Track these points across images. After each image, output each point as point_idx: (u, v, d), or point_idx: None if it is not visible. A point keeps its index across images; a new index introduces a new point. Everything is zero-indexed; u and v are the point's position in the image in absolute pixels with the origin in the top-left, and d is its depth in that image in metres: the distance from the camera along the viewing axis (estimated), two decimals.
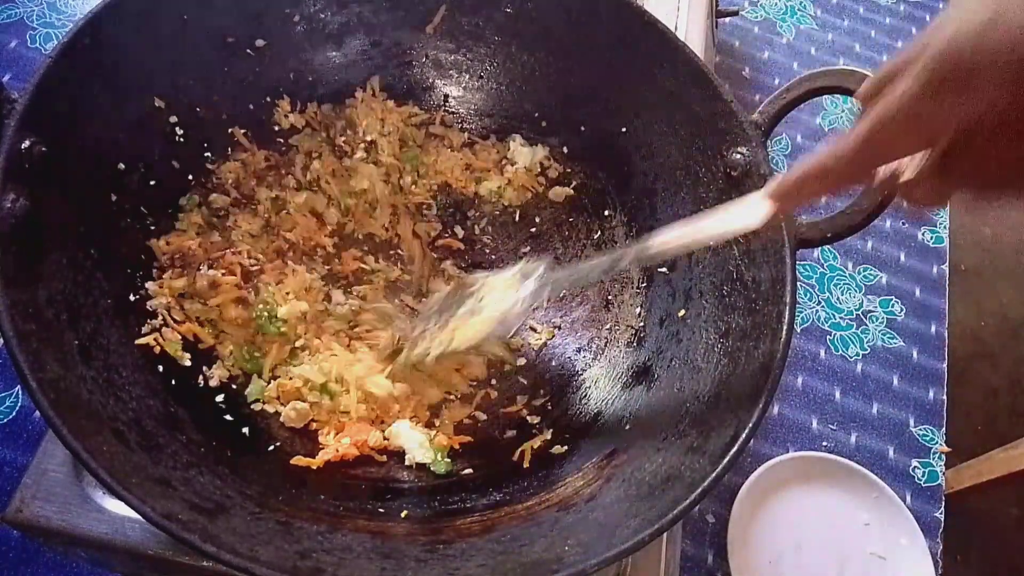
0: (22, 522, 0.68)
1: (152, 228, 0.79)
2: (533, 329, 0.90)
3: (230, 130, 0.86)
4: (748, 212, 0.61)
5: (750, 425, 0.62)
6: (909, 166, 0.51)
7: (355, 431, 0.77)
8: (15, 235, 0.59)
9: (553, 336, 0.89)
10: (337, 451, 0.75)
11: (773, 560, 0.97)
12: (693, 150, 0.81)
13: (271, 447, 0.75)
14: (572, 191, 0.95)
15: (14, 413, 0.89)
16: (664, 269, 0.86)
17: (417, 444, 0.77)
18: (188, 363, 0.75)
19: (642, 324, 0.86)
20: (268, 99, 0.90)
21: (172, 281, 0.78)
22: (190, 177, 0.84)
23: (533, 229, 0.95)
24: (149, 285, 0.76)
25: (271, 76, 0.88)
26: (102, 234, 0.72)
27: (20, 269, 0.60)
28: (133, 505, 0.52)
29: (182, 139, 0.81)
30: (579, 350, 0.88)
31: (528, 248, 0.94)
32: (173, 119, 0.80)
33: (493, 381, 0.86)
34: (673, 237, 0.65)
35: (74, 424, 0.55)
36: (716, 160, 0.78)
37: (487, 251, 0.94)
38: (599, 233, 0.93)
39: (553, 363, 0.87)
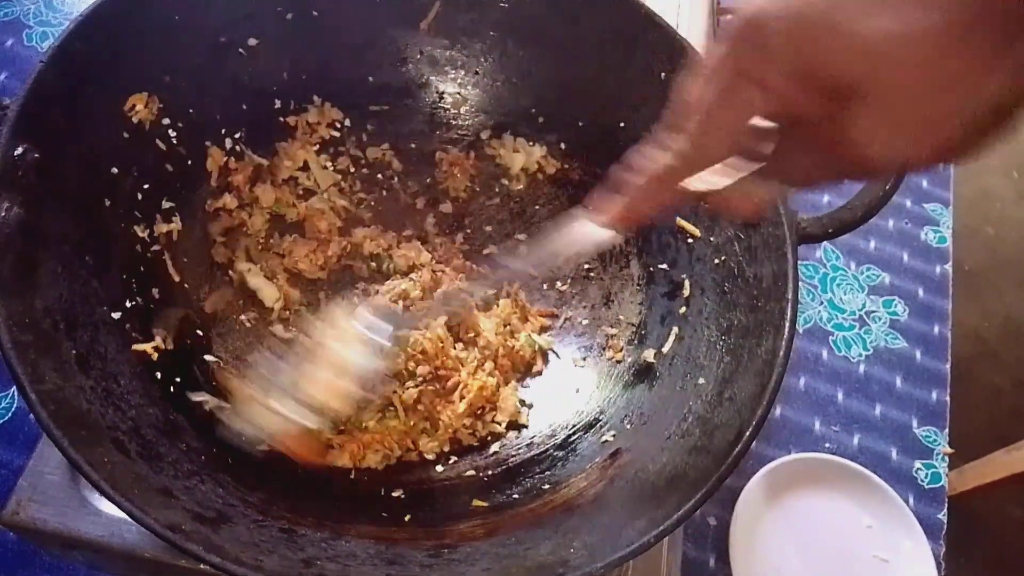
0: (18, 524, 0.68)
1: (147, 233, 0.79)
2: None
3: (223, 130, 0.86)
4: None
5: (754, 422, 0.62)
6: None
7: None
8: (10, 244, 0.59)
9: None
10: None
11: (775, 563, 0.96)
12: None
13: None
14: (571, 188, 0.95)
15: (10, 415, 0.89)
16: (665, 265, 0.85)
17: None
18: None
19: (643, 322, 0.86)
20: (262, 99, 0.89)
21: None
22: (184, 181, 0.83)
23: (532, 226, 0.94)
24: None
25: (265, 76, 0.88)
26: (97, 241, 0.71)
27: (16, 278, 0.59)
28: (136, 517, 0.52)
29: (175, 141, 0.80)
30: (580, 348, 0.87)
31: (527, 246, 0.93)
32: (166, 121, 0.79)
33: None
34: (533, 266, 0.64)
35: (75, 436, 0.54)
36: None
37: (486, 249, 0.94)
38: None
39: (554, 363, 0.87)
